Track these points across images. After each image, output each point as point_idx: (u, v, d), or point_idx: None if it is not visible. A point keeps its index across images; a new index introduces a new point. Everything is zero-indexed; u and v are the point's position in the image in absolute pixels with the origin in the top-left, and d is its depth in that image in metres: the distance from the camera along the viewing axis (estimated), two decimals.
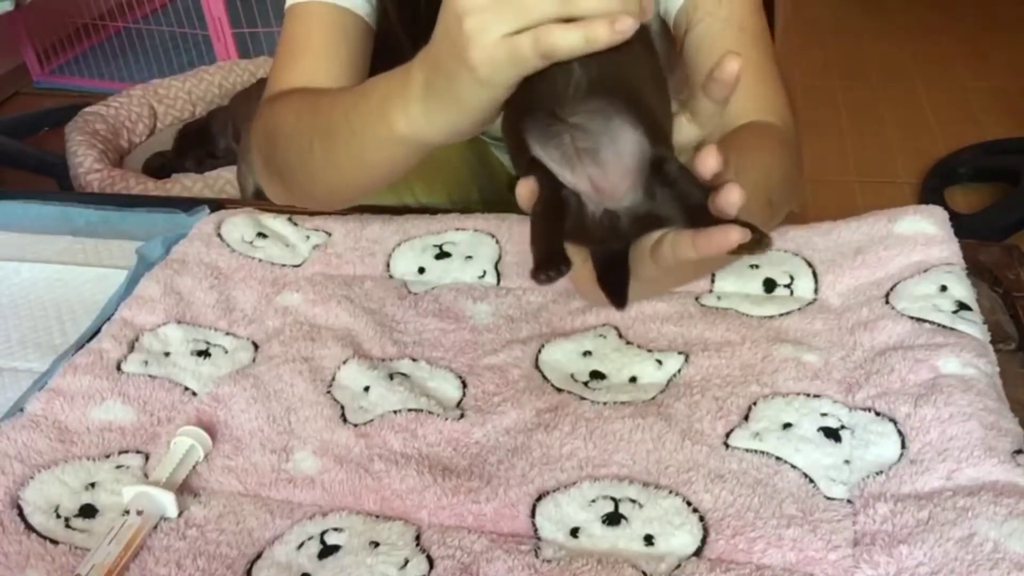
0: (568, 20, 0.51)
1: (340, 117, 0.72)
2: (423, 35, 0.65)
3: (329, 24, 0.89)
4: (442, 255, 0.90)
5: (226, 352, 0.81)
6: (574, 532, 0.62)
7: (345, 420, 0.72)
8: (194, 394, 0.76)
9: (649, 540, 0.61)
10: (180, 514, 0.65)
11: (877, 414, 0.68)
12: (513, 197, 0.55)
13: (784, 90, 0.83)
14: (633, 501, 0.63)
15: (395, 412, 0.72)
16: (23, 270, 0.95)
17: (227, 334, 0.83)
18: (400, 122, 0.64)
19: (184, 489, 0.68)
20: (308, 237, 0.95)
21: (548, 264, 0.49)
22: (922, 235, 0.82)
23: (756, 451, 0.66)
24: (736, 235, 0.48)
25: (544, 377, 0.75)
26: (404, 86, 0.63)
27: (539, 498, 0.64)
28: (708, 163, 0.50)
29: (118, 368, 0.78)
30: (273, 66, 0.91)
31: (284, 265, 0.92)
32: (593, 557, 0.59)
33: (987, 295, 0.81)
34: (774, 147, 0.77)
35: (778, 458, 0.66)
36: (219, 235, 0.94)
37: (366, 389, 0.75)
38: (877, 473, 0.64)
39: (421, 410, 0.72)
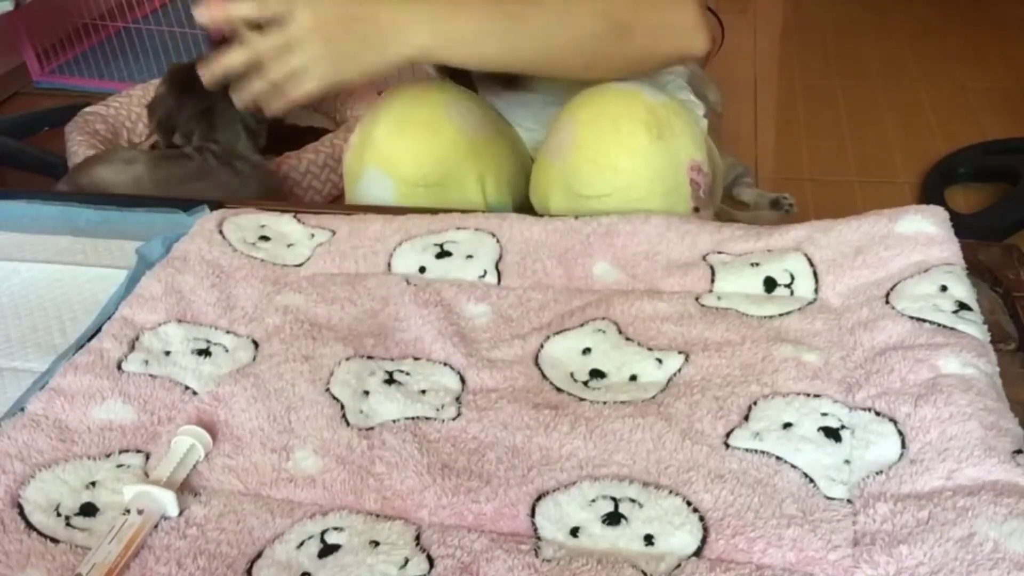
0: None
1: None
2: None
3: None
4: (443, 254, 0.90)
5: (226, 351, 0.81)
6: (574, 532, 0.62)
7: (348, 423, 0.72)
8: (195, 393, 0.76)
9: (649, 540, 0.61)
10: (181, 513, 0.65)
11: (877, 414, 0.68)
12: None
13: None
14: (633, 501, 0.63)
15: (394, 421, 0.72)
16: (23, 270, 0.95)
17: (227, 332, 0.83)
18: None
19: (185, 488, 0.68)
20: (313, 235, 0.95)
21: None
22: (922, 235, 0.82)
23: (756, 451, 0.66)
24: None
25: (543, 376, 0.76)
26: None
27: (539, 498, 0.64)
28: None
29: (119, 367, 0.78)
30: None
31: (285, 265, 0.92)
32: (593, 557, 0.59)
33: (987, 295, 0.81)
34: None
35: (778, 458, 0.66)
36: (221, 232, 0.94)
37: (366, 393, 0.75)
38: (877, 473, 0.64)
39: (419, 417, 0.72)
